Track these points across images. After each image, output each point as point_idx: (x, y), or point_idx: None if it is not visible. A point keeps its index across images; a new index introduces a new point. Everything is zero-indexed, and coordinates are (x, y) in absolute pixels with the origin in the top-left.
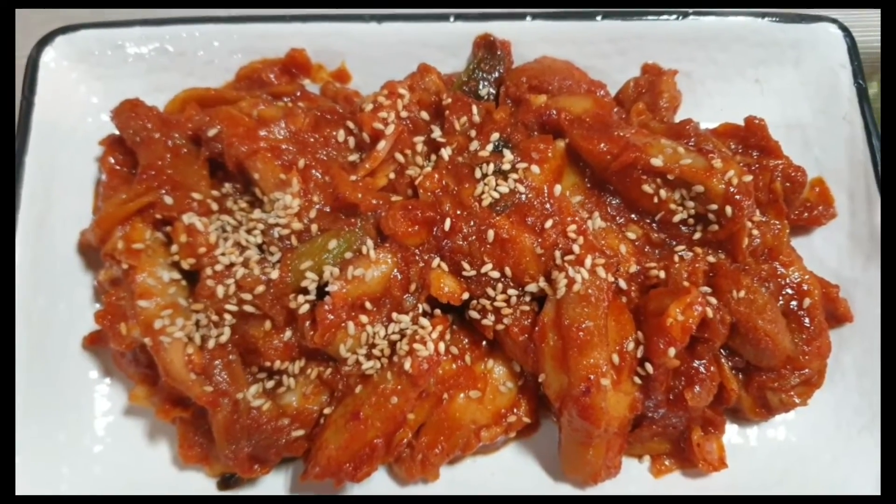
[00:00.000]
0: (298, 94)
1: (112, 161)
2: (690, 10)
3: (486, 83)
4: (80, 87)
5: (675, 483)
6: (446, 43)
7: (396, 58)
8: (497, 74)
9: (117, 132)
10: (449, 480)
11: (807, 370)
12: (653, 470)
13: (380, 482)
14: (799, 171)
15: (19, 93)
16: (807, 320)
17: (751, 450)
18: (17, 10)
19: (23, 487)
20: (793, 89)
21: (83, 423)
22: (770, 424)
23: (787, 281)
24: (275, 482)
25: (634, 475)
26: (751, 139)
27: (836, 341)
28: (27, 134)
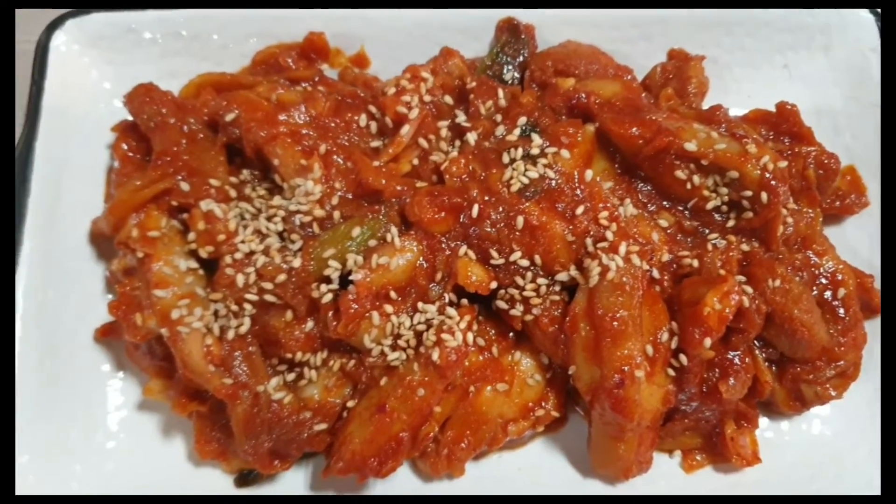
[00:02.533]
0: (317, 79)
1: (125, 147)
2: None
3: (510, 67)
4: (92, 72)
5: (707, 478)
6: (468, 27)
7: (417, 42)
8: (521, 58)
9: (130, 118)
10: (474, 476)
11: (842, 362)
12: (684, 465)
13: (403, 478)
14: (832, 158)
15: (28, 77)
16: (841, 311)
17: (784, 444)
18: None
19: (33, 485)
20: (822, 75)
21: (96, 418)
22: (803, 418)
23: (821, 270)
24: (295, 478)
25: (665, 470)
26: (782, 125)
27: (871, 333)
28: (37, 120)
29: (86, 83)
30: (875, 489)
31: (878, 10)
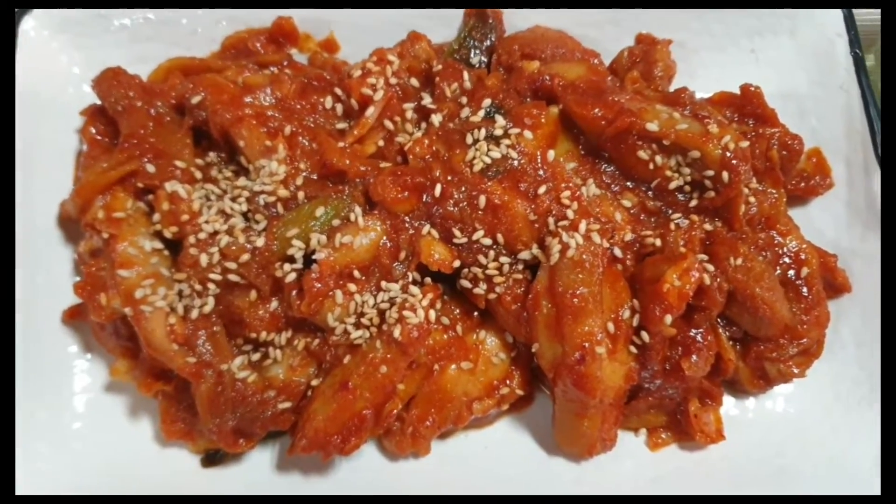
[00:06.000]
0: (285, 63)
1: (93, 131)
2: None
3: (477, 51)
4: (61, 57)
5: (672, 456)
6: (437, 12)
7: (386, 27)
8: (489, 43)
9: (99, 102)
10: (440, 455)
11: (805, 340)
12: (649, 443)
13: (369, 457)
14: (796, 139)
15: None
16: (805, 290)
17: (748, 422)
18: None
19: None
20: (788, 59)
21: (62, 399)
22: (768, 396)
23: (785, 250)
24: (261, 457)
25: (631, 448)
26: (746, 107)
27: (835, 312)
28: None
29: (55, 68)
30: (837, 464)
31: (879, 9)
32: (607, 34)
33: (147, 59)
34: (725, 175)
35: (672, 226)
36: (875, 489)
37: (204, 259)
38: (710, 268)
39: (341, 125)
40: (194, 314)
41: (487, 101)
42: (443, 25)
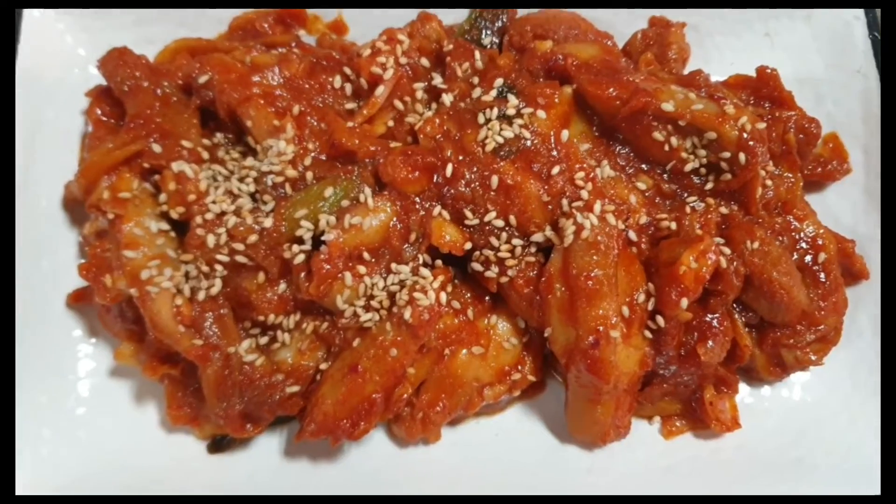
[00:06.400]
0: (293, 44)
1: (99, 112)
2: None
3: (488, 32)
4: (67, 38)
5: (687, 444)
6: None
7: (396, 8)
8: (500, 23)
9: (104, 84)
10: (451, 441)
11: (823, 326)
12: (663, 431)
13: (378, 443)
14: (813, 122)
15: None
16: (822, 275)
17: (764, 410)
18: None
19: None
20: (804, 43)
21: (66, 384)
22: (785, 384)
23: (802, 235)
24: (268, 443)
25: (644, 436)
26: (763, 90)
27: (853, 299)
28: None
29: (60, 49)
30: (854, 455)
31: (878, 10)
32: (620, 17)
33: (154, 41)
34: (742, 157)
35: (687, 209)
36: None
37: (211, 240)
38: (727, 251)
39: (350, 105)
40: (201, 296)
41: (499, 81)
42: (453, 9)
